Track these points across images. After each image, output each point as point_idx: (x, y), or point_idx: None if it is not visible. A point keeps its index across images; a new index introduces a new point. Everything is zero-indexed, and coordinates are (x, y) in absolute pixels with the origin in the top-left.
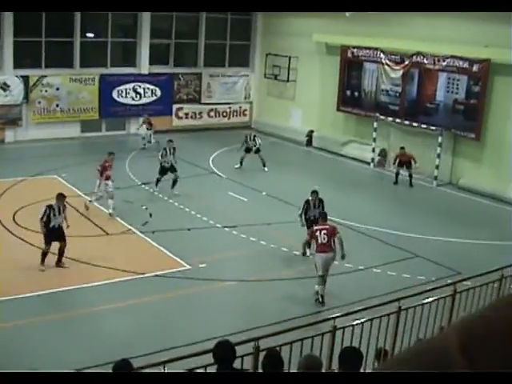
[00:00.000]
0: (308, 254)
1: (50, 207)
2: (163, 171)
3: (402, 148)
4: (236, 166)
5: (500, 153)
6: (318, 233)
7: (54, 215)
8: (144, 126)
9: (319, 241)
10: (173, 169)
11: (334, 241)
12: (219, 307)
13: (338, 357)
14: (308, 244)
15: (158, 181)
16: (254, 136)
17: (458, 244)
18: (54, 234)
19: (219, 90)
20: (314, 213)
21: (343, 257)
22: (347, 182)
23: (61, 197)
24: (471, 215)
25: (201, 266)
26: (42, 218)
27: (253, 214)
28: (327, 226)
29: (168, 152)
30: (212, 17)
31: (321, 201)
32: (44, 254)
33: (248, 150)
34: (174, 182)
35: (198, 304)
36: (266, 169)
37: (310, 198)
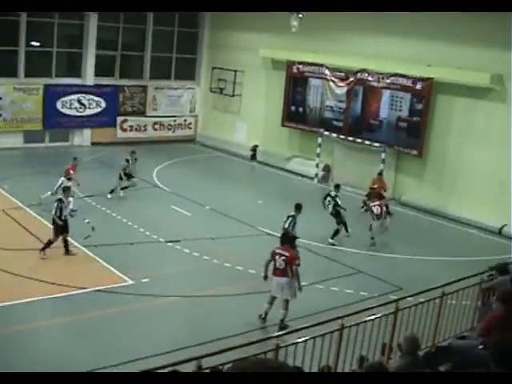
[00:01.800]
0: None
1: (60, 201)
2: (122, 178)
3: (380, 174)
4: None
5: (441, 169)
6: (277, 256)
7: (66, 207)
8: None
9: (276, 265)
10: (131, 177)
11: (291, 268)
12: (162, 323)
13: None
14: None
15: (123, 187)
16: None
17: (401, 260)
18: (63, 225)
19: (164, 103)
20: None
21: (300, 289)
22: (291, 196)
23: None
24: (414, 231)
25: (143, 281)
26: (55, 212)
27: (196, 228)
28: (287, 254)
29: (131, 162)
30: (159, 29)
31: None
32: (49, 244)
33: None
34: (126, 187)
35: (140, 320)
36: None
37: (294, 213)
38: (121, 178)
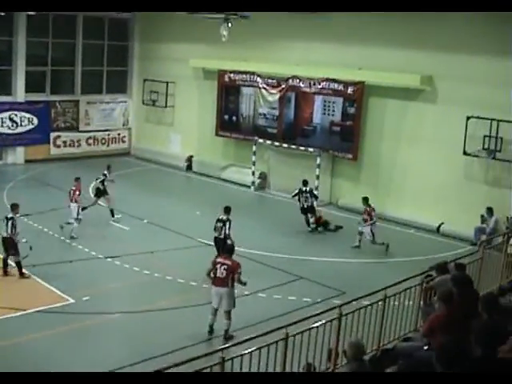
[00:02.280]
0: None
1: (11, 219)
2: (99, 193)
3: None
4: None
5: (376, 172)
6: (218, 265)
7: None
8: None
9: (217, 274)
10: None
11: (232, 278)
12: (105, 341)
13: None
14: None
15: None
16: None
17: (342, 264)
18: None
19: (97, 117)
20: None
21: (245, 284)
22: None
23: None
24: (352, 235)
25: (84, 299)
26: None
27: (135, 242)
28: (229, 263)
29: (107, 176)
30: (88, 43)
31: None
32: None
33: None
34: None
35: (83, 339)
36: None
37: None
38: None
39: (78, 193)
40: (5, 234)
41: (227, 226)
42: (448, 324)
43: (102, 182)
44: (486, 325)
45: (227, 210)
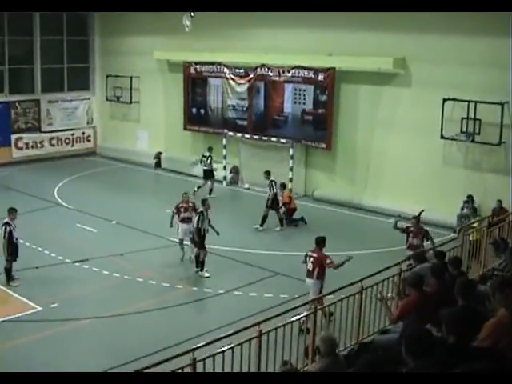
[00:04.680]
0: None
1: (7, 224)
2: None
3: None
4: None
5: (352, 160)
6: (307, 258)
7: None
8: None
9: (307, 266)
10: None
11: (319, 270)
12: (76, 348)
13: None
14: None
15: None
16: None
17: None
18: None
19: (60, 117)
20: (205, 225)
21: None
22: (199, 202)
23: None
24: (330, 226)
25: (52, 306)
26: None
27: (104, 245)
28: (315, 255)
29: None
30: (47, 39)
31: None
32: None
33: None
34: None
35: (52, 347)
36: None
37: (202, 209)
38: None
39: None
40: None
41: (196, 218)
42: (419, 310)
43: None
44: (459, 311)
45: (203, 202)
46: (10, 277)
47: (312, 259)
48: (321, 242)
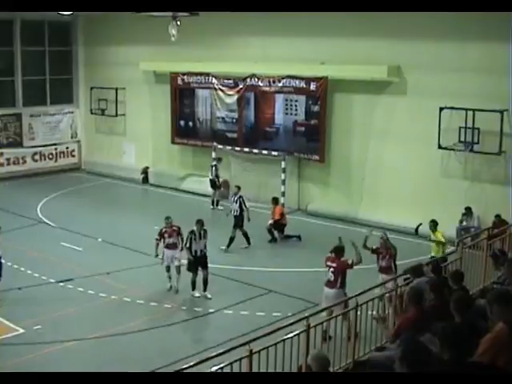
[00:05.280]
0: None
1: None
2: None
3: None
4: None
5: (347, 173)
6: (327, 268)
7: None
8: None
9: (327, 275)
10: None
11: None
12: (62, 371)
13: None
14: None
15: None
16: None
17: (314, 273)
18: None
19: (42, 131)
20: (199, 246)
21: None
22: (188, 218)
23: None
24: (324, 241)
25: (36, 328)
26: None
27: (89, 264)
28: (335, 264)
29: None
30: (28, 50)
31: (205, 231)
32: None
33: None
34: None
35: (38, 371)
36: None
37: (195, 228)
38: (217, 187)
39: None
40: None
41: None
42: (417, 326)
43: (217, 175)
44: (453, 326)
45: (198, 222)
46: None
47: (332, 269)
48: (340, 252)
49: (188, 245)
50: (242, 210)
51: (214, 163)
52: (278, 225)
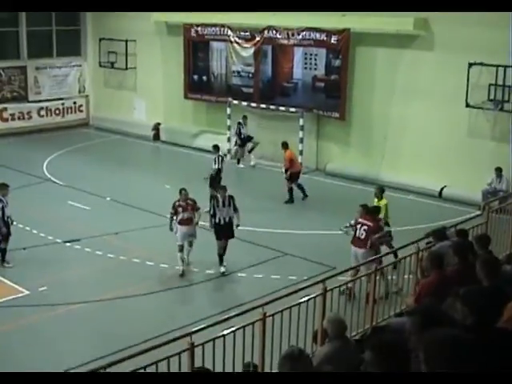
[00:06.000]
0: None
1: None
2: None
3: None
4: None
5: (368, 131)
6: (358, 225)
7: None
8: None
9: (357, 234)
10: (250, 138)
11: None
12: (66, 335)
13: None
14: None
15: (251, 150)
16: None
17: (330, 236)
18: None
19: (49, 85)
20: (223, 214)
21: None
22: (200, 178)
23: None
24: (344, 203)
25: (41, 289)
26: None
27: (97, 223)
28: (370, 224)
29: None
30: None
31: (231, 198)
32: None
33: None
34: (252, 149)
35: (42, 333)
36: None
37: (218, 195)
38: (241, 145)
39: None
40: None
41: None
42: (439, 290)
43: (240, 134)
44: (480, 289)
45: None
46: (4, 257)
47: (366, 227)
48: (375, 212)
49: (212, 212)
50: (218, 169)
51: (240, 120)
52: (292, 175)
